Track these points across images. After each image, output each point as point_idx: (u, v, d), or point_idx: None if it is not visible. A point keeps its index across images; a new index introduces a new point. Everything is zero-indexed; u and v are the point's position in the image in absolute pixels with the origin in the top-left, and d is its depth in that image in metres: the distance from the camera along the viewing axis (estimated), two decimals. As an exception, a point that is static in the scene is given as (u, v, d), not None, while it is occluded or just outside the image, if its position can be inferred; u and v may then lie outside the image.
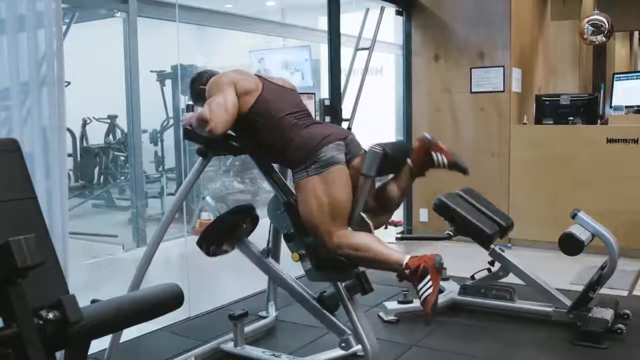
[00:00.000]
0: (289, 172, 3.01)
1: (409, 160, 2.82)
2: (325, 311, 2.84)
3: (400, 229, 5.65)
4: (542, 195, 5.35)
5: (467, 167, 2.84)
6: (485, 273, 3.65)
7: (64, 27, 5.73)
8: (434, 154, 2.77)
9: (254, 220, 3.08)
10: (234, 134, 2.87)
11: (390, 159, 2.72)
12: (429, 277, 2.47)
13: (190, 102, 3.09)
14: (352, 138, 2.82)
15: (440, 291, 2.54)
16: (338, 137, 2.72)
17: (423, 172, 2.87)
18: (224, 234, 2.96)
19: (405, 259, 2.53)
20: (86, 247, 5.72)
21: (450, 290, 3.79)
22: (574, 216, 3.38)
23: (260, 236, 3.26)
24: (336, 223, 2.62)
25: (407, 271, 2.51)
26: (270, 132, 2.75)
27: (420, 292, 2.48)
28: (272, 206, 2.88)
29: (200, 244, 2.94)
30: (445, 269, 2.54)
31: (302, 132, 2.73)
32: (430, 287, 2.45)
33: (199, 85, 2.97)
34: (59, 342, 1.54)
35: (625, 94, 5.60)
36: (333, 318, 2.84)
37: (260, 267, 3.05)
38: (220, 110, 2.66)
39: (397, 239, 5.52)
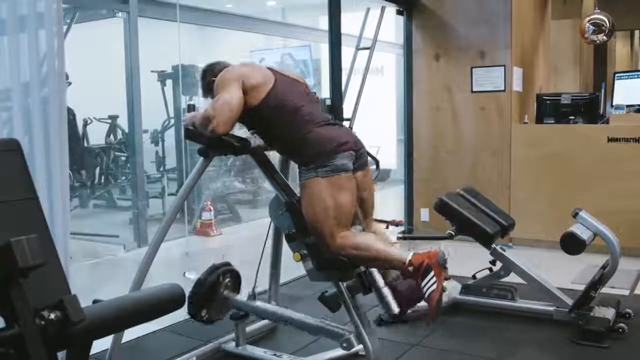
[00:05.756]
0: (290, 172, 3.01)
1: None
2: (324, 325, 2.85)
3: (401, 228, 5.65)
4: (543, 194, 5.35)
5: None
6: (487, 272, 3.64)
7: (65, 27, 5.75)
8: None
9: (234, 274, 3.10)
10: (247, 128, 2.87)
11: None
12: (432, 273, 2.46)
13: (192, 102, 3.08)
14: (364, 151, 2.81)
15: (443, 290, 2.54)
16: (353, 147, 2.70)
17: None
18: (207, 295, 2.97)
19: (408, 256, 2.53)
20: (87, 248, 5.72)
21: (452, 290, 3.79)
22: (575, 215, 3.38)
23: (260, 238, 3.27)
24: (340, 226, 2.61)
25: (410, 268, 2.50)
26: (285, 125, 2.72)
27: (425, 289, 2.47)
28: (273, 206, 2.88)
29: (190, 313, 2.95)
30: (446, 268, 2.53)
31: (318, 130, 2.69)
32: (434, 283, 2.45)
33: (210, 77, 2.92)
34: (61, 343, 1.54)
35: (626, 93, 5.59)
36: (333, 328, 2.84)
37: (252, 312, 3.09)
38: (225, 109, 2.64)
39: (398, 238, 5.51)
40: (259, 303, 3.09)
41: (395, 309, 2.78)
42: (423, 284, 2.47)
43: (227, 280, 3.06)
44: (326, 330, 2.85)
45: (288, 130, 2.72)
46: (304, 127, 2.70)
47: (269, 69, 2.87)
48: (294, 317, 2.97)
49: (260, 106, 2.72)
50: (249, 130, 2.89)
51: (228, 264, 3.10)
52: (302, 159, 2.69)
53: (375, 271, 2.80)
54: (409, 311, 2.84)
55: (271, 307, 3.18)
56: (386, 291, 2.80)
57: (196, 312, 2.95)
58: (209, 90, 2.93)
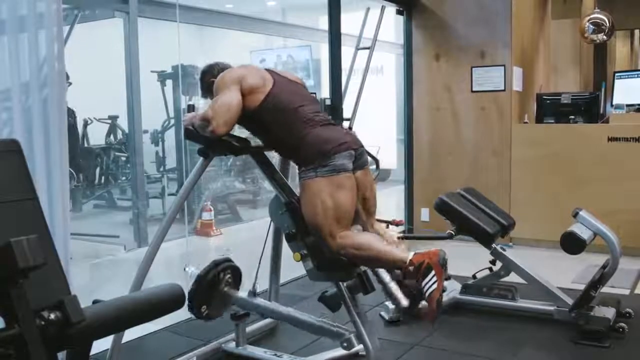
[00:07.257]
0: (290, 172, 3.01)
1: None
2: (324, 324, 2.86)
3: (401, 228, 5.65)
4: (544, 194, 5.35)
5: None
6: (487, 272, 3.64)
7: (68, 29, 5.76)
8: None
9: (235, 270, 3.10)
10: (246, 129, 2.87)
11: None
12: (433, 273, 2.46)
13: (192, 102, 3.09)
14: (363, 150, 2.81)
15: (443, 290, 2.54)
16: (352, 146, 2.71)
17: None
18: (208, 291, 2.97)
19: (409, 255, 2.53)
20: (88, 248, 5.72)
21: (452, 290, 3.78)
22: (575, 215, 3.38)
23: (260, 238, 3.27)
24: (340, 225, 2.62)
25: (411, 268, 2.51)
26: (284, 125, 2.73)
27: (425, 289, 2.47)
28: (273, 206, 2.87)
29: (191, 308, 2.94)
30: (447, 268, 2.54)
31: (317, 131, 2.70)
32: (434, 283, 2.45)
33: (209, 77, 2.93)
34: (61, 343, 1.54)
35: (626, 93, 5.59)
36: (333, 328, 2.84)
37: (252, 310, 3.09)
38: (224, 110, 2.64)
39: (398, 238, 5.51)
40: (259, 300, 3.09)
41: (405, 302, 2.76)
42: (423, 283, 2.48)
43: (228, 276, 3.06)
44: (326, 330, 2.85)
45: (287, 131, 2.73)
46: (303, 128, 2.70)
47: (268, 70, 2.88)
48: (293, 315, 2.97)
49: (260, 108, 2.73)
50: (248, 131, 2.89)
51: (229, 259, 3.10)
52: (302, 159, 2.70)
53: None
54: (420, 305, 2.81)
55: (271, 304, 3.17)
56: (394, 286, 2.79)
57: (196, 309, 2.95)
58: (208, 91, 2.94)
